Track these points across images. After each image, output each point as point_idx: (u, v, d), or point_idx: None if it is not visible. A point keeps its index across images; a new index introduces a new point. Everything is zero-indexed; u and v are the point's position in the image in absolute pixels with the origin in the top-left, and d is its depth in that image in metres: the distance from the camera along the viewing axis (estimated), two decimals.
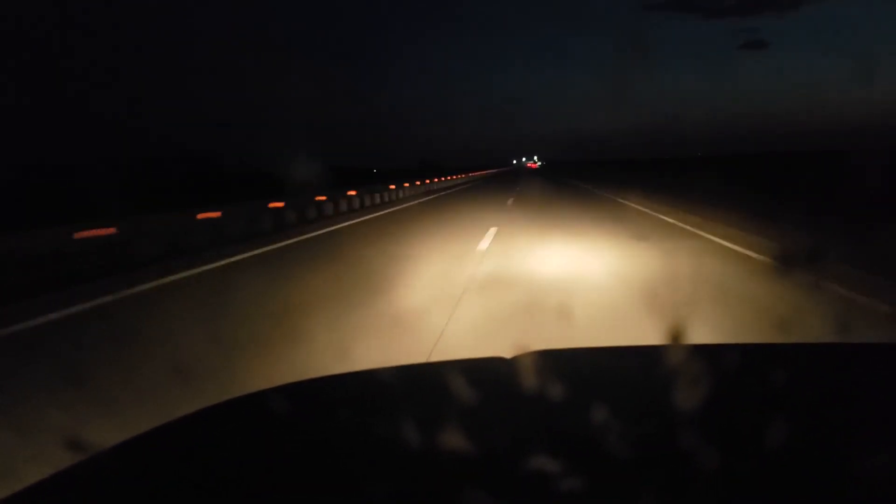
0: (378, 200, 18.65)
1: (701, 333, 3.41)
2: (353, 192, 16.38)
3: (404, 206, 18.01)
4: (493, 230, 9.24)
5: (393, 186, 20.94)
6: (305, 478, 0.62)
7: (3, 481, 2.00)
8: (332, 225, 11.91)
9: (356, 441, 0.70)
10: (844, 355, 1.01)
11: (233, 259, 7.63)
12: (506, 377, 0.87)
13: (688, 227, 9.00)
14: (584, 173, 54.03)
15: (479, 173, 63.27)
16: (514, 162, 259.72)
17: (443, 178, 35.09)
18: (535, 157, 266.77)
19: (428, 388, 0.89)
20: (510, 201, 17.24)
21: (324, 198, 14.23)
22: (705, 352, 0.98)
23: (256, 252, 8.18)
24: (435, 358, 3.18)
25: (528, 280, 5.37)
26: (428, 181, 29.30)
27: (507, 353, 0.94)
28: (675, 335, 1.83)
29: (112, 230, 7.27)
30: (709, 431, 0.64)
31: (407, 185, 23.47)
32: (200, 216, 9.11)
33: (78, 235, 6.82)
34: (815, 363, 0.94)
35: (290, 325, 4.11)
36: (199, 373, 3.17)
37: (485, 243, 7.83)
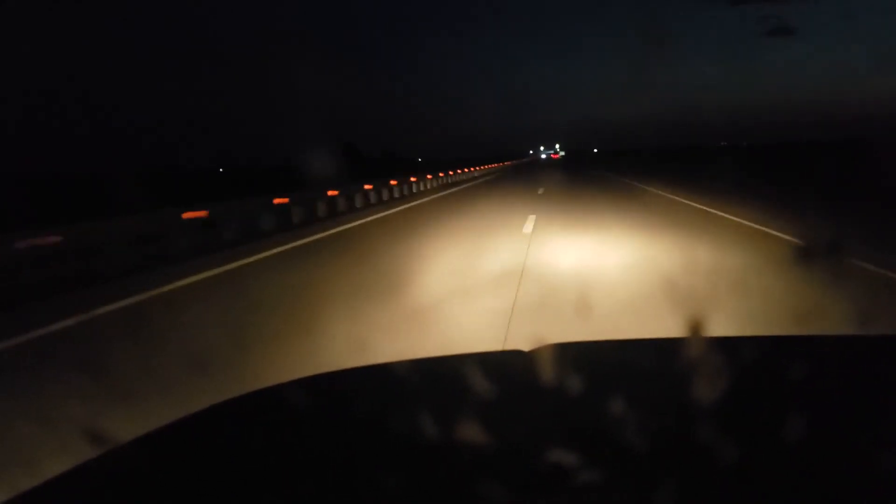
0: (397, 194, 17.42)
1: (741, 295, 4.04)
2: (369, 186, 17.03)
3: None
4: None
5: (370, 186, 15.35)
6: (323, 471, 0.63)
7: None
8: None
9: (373, 434, 0.71)
10: (864, 347, 1.00)
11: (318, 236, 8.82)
12: (523, 370, 0.88)
13: (752, 225, 8.37)
14: (617, 165, 47.36)
15: (489, 167, 47.14)
16: (531, 152, 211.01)
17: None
18: (557, 147, 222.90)
19: (445, 381, 0.89)
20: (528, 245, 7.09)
21: (370, 186, 15.33)
22: (723, 344, 0.98)
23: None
24: None
25: None
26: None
27: (524, 346, 0.94)
28: (694, 327, 1.77)
29: (205, 213, 8.36)
30: (727, 425, 0.64)
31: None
32: (276, 201, 10.25)
33: (185, 216, 7.93)
34: (835, 355, 0.93)
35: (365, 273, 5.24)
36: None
37: None
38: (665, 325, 3.40)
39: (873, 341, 1.05)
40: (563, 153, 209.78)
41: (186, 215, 7.94)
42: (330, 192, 12.86)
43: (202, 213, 8.31)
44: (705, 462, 0.57)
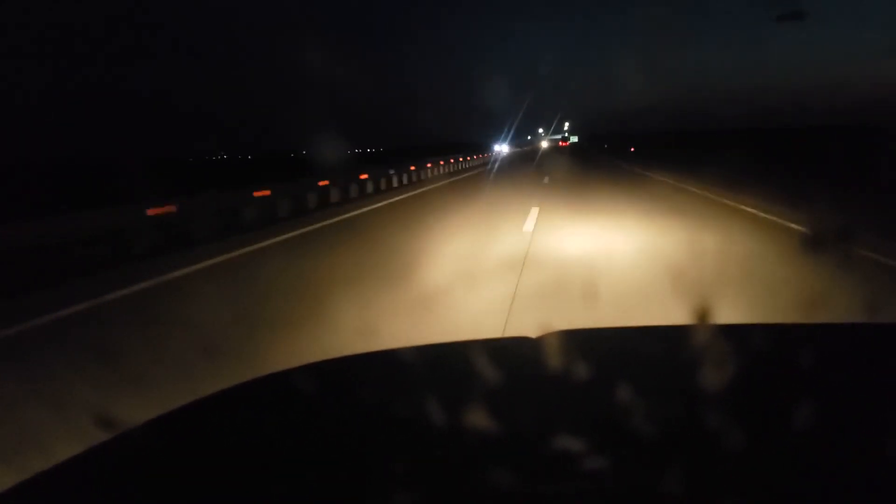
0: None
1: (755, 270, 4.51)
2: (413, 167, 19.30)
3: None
4: None
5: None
6: (329, 456, 0.64)
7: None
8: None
9: (380, 420, 0.72)
10: (873, 335, 1.00)
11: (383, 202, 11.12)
12: (531, 357, 0.89)
13: None
14: (644, 156, 34.27)
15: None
16: (529, 138, 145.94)
17: None
18: (566, 132, 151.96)
19: (452, 367, 0.90)
20: None
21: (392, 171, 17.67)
22: (731, 332, 0.98)
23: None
24: None
25: None
26: None
27: (531, 333, 0.95)
28: (702, 314, 1.80)
29: (268, 192, 10.46)
30: (735, 412, 0.65)
31: None
32: (321, 183, 12.47)
33: (256, 194, 10.02)
34: (843, 344, 0.94)
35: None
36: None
37: None
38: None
39: (882, 329, 1.05)
40: (574, 138, 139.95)
41: (257, 193, 10.06)
42: (361, 176, 15.13)
43: (266, 192, 10.40)
44: (713, 449, 0.58)
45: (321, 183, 12.46)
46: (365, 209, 11.55)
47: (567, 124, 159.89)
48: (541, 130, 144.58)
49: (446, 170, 25.14)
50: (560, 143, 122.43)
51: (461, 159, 29.84)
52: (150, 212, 7.78)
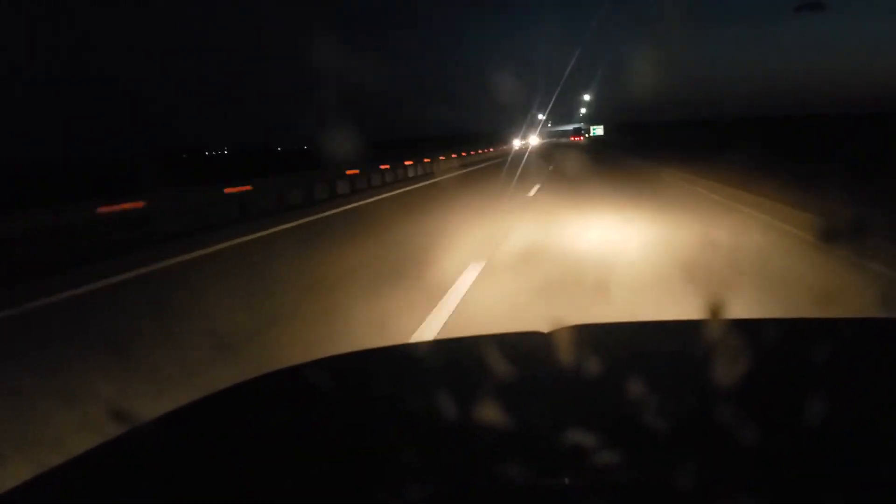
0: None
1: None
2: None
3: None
4: None
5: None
6: (343, 451, 0.64)
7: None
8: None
9: (393, 414, 0.73)
10: (886, 330, 1.00)
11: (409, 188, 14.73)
12: (543, 351, 0.89)
13: None
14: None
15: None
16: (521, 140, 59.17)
17: None
18: (581, 123, 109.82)
19: (465, 362, 0.91)
20: None
21: (411, 162, 20.27)
22: (744, 327, 0.99)
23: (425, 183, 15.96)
24: None
25: None
26: None
27: (544, 328, 0.96)
28: (715, 309, 1.97)
29: (357, 171, 13.77)
30: (748, 407, 0.65)
31: None
32: (348, 171, 15.13)
33: (348, 172, 13.15)
34: (856, 338, 0.94)
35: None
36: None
37: None
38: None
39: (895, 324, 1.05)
40: (599, 130, 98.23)
41: (349, 172, 13.49)
42: (382, 167, 17.78)
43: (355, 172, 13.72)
44: (725, 444, 0.58)
45: (349, 172, 15.08)
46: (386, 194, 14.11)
47: (586, 98, 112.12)
48: (540, 116, 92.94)
49: (459, 163, 28.10)
50: (572, 136, 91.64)
51: (472, 152, 33.70)
52: (227, 190, 10.11)
